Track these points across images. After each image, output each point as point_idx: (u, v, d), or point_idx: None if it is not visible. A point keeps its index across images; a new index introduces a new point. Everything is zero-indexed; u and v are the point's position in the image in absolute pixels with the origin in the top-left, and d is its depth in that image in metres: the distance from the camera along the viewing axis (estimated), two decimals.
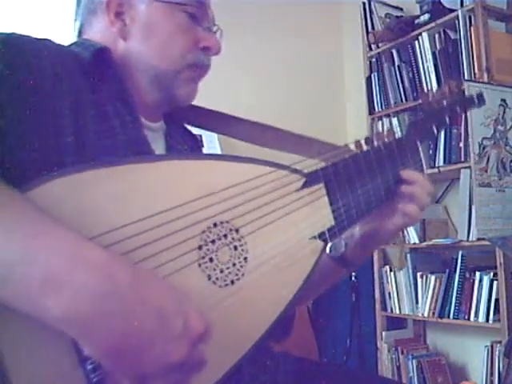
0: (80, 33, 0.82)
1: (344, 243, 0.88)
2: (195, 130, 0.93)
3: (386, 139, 0.88)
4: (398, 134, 0.91)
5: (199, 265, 0.60)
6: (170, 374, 0.50)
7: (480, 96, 1.00)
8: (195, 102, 0.87)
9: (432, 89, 2.59)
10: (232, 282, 0.63)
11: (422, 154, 0.92)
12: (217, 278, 0.61)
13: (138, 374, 0.49)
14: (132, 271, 0.50)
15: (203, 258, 0.60)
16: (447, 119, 0.96)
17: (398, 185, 0.86)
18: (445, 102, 0.96)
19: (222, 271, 0.62)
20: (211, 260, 0.61)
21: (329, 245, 0.75)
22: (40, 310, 0.46)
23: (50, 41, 0.71)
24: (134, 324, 0.48)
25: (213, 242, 0.61)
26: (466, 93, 2.10)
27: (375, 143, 0.87)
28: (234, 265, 0.63)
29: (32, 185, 0.51)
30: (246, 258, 0.64)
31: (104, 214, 0.53)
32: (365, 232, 0.88)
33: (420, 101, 0.98)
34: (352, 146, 0.85)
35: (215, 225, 0.62)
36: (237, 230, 0.64)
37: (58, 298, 0.46)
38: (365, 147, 0.85)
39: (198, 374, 0.52)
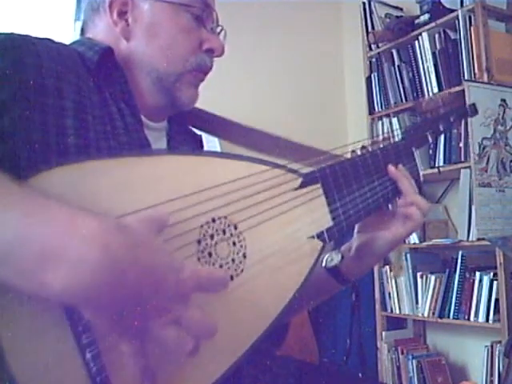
0: (82, 31, 0.82)
1: (340, 256, 0.87)
2: (195, 130, 0.93)
3: (382, 145, 0.89)
4: (395, 139, 0.91)
5: (198, 258, 0.60)
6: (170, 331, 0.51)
7: (472, 107, 1.00)
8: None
9: (432, 90, 2.60)
10: (231, 277, 0.63)
11: (417, 160, 0.93)
12: None
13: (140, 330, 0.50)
14: (127, 238, 0.50)
15: (202, 252, 0.60)
16: (441, 128, 0.96)
17: (396, 188, 0.86)
18: (439, 111, 0.96)
19: (221, 266, 0.62)
20: (210, 254, 0.61)
21: (325, 257, 0.75)
22: (39, 286, 0.46)
23: (51, 40, 0.71)
24: (135, 290, 0.49)
25: (212, 236, 0.61)
26: (466, 93, 2.10)
27: (372, 148, 0.87)
28: (234, 260, 0.63)
29: (31, 173, 0.51)
30: (244, 254, 0.64)
31: (102, 205, 0.53)
32: (361, 245, 0.87)
33: (415, 108, 0.99)
34: (349, 156, 0.85)
35: (214, 220, 0.62)
36: (235, 226, 0.64)
37: (56, 272, 0.46)
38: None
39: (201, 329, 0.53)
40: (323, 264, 0.86)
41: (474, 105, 1.00)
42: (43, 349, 0.48)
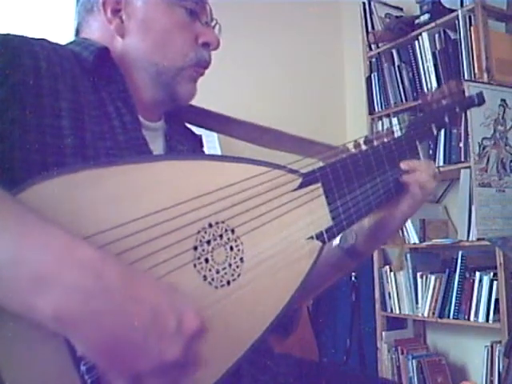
0: (77, 32, 0.82)
1: (354, 234, 0.88)
2: (195, 130, 0.93)
3: (384, 139, 0.88)
4: (397, 134, 0.91)
5: (194, 265, 0.59)
6: (166, 374, 0.50)
7: (479, 95, 0.99)
8: (195, 102, 0.87)
9: (432, 89, 2.59)
10: (228, 282, 0.62)
11: (421, 154, 0.92)
12: (212, 279, 0.61)
13: (133, 372, 0.48)
14: (123, 269, 0.50)
15: (199, 258, 0.60)
16: (446, 119, 0.95)
17: (399, 179, 0.87)
18: (444, 102, 0.96)
19: (217, 272, 0.61)
20: (207, 260, 0.61)
21: (339, 236, 0.75)
22: (31, 309, 0.46)
23: (47, 41, 0.71)
24: (126, 322, 0.48)
25: (208, 242, 0.61)
26: (466, 93, 2.11)
27: (374, 143, 0.87)
28: (230, 265, 0.63)
29: (25, 185, 0.50)
30: (242, 259, 0.64)
31: (98, 214, 0.53)
32: (374, 221, 0.88)
33: (420, 101, 0.98)
34: (350, 146, 0.85)
35: (210, 225, 0.61)
36: (232, 231, 0.64)
37: (49, 297, 0.46)
38: (363, 147, 0.85)
39: (194, 374, 0.52)
40: (338, 243, 0.87)
41: (480, 94, 0.99)
42: (38, 361, 0.48)
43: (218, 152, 2.47)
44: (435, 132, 0.94)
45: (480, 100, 0.99)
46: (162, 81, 0.79)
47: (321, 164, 0.77)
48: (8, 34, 0.66)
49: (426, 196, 0.87)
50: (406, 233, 2.68)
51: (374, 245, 0.92)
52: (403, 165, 0.87)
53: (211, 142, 2.41)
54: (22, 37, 0.67)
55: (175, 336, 0.50)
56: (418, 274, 2.66)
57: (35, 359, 0.48)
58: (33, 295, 0.46)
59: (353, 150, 0.84)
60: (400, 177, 0.87)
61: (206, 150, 0.97)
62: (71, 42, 0.78)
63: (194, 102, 0.86)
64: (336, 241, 0.82)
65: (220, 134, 0.97)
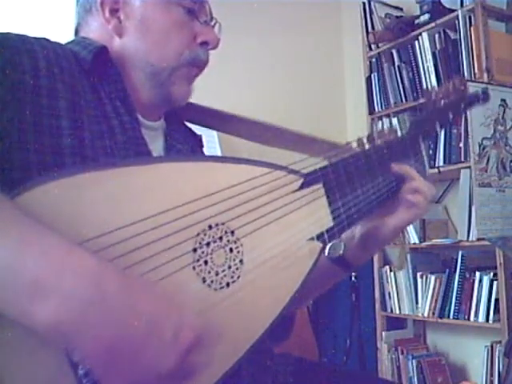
0: (77, 32, 0.82)
1: (343, 245, 0.87)
2: (196, 129, 0.93)
3: (387, 138, 0.87)
4: (400, 133, 0.90)
5: (194, 268, 0.59)
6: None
7: (484, 92, 0.98)
8: (195, 102, 0.87)
9: (434, 87, 2.59)
10: (227, 284, 0.62)
11: (424, 152, 0.91)
12: (212, 281, 0.61)
13: (129, 381, 0.48)
14: (121, 278, 0.50)
15: (198, 260, 0.60)
16: (451, 116, 0.94)
17: (399, 182, 0.85)
18: (448, 99, 0.95)
19: (217, 274, 0.61)
20: (206, 263, 0.60)
21: (328, 246, 0.75)
22: (28, 316, 0.46)
23: (47, 40, 0.71)
24: (123, 332, 0.48)
25: (208, 244, 0.61)
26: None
27: (377, 142, 0.86)
28: (230, 267, 0.63)
29: (26, 187, 0.50)
30: (241, 260, 0.64)
31: (98, 217, 0.53)
32: (365, 232, 0.87)
33: (421, 100, 0.97)
34: (354, 144, 0.85)
35: (210, 227, 0.61)
36: (232, 232, 0.63)
37: (46, 305, 0.46)
38: (366, 146, 0.85)
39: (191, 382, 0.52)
40: (326, 253, 0.86)
41: (485, 91, 0.98)
42: (36, 365, 0.48)
43: (218, 151, 2.46)
44: (439, 129, 0.93)
45: (485, 97, 0.98)
46: (157, 81, 0.78)
47: (322, 163, 0.77)
48: (7, 33, 0.66)
49: (425, 204, 0.85)
50: (406, 233, 2.67)
51: (364, 256, 0.90)
52: (410, 189, 0.85)
53: (211, 141, 2.41)
54: (21, 36, 0.67)
55: (170, 348, 0.50)
56: (418, 274, 2.66)
57: (32, 363, 0.48)
58: (30, 302, 0.46)
59: (355, 149, 0.83)
60: (398, 183, 0.86)
61: (206, 149, 0.97)
62: (70, 42, 0.78)
63: (194, 102, 0.86)
64: (325, 251, 0.82)
65: (221, 133, 0.96)
